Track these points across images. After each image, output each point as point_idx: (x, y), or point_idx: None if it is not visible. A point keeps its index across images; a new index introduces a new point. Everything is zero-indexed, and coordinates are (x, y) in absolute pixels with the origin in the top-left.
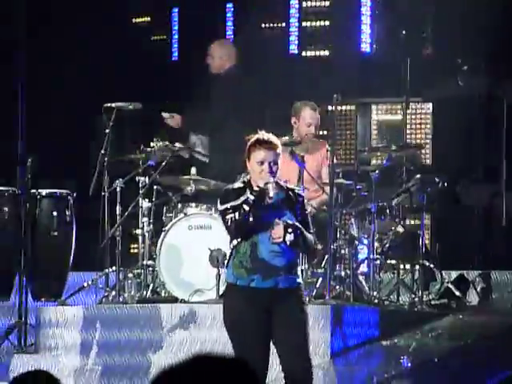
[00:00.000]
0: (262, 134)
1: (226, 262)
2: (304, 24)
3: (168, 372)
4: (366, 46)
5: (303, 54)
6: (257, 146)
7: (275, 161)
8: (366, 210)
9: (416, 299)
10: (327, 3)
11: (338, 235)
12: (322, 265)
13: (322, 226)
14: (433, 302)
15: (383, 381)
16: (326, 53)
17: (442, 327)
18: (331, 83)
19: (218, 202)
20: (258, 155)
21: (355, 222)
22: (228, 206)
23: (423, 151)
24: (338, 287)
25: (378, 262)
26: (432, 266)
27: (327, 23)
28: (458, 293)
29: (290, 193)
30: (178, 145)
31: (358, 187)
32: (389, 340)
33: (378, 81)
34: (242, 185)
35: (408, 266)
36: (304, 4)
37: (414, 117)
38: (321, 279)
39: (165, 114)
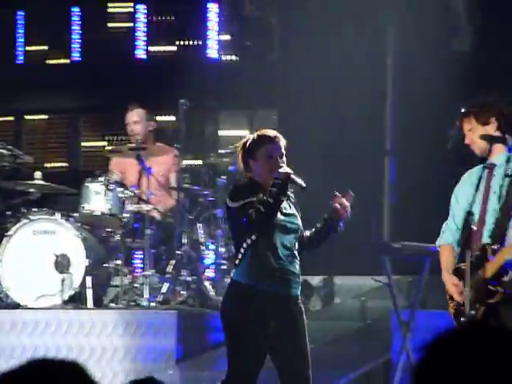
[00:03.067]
0: (264, 131)
1: (237, 260)
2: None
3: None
4: (212, 52)
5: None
6: (262, 141)
7: (283, 154)
8: (212, 216)
9: None
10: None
11: (185, 240)
12: (168, 270)
13: (169, 231)
14: None
15: None
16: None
17: None
18: (179, 88)
19: (229, 199)
20: (266, 150)
21: (202, 227)
22: (247, 201)
23: None
24: (183, 293)
25: (225, 267)
26: None
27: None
28: (301, 298)
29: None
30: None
31: (205, 193)
32: None
33: (225, 87)
34: (250, 182)
35: None
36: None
37: (260, 122)
38: (167, 285)
39: None
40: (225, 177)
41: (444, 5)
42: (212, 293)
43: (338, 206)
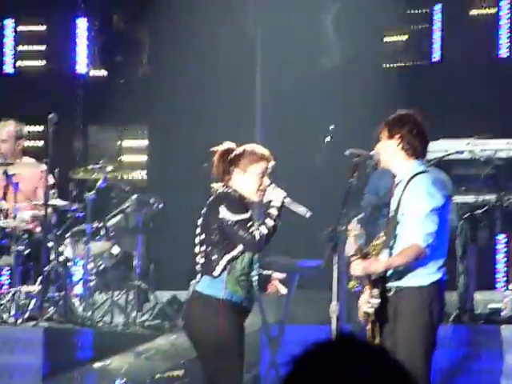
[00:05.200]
0: (256, 146)
1: (215, 272)
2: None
3: None
4: (81, 68)
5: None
6: (258, 158)
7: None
8: (81, 231)
9: (130, 320)
10: (43, 28)
11: (53, 256)
12: (36, 286)
13: (37, 247)
14: (146, 323)
15: None
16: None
17: (155, 348)
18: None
19: (228, 210)
20: (260, 168)
21: (70, 243)
22: (244, 217)
23: (140, 172)
24: (51, 309)
25: (93, 283)
26: (146, 286)
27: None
28: (171, 314)
29: None
30: None
31: (73, 208)
32: (102, 362)
33: (95, 102)
34: (240, 196)
35: (122, 287)
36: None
37: (131, 138)
38: (34, 301)
39: None
40: (93, 192)
41: (314, 21)
42: (80, 309)
43: (272, 288)
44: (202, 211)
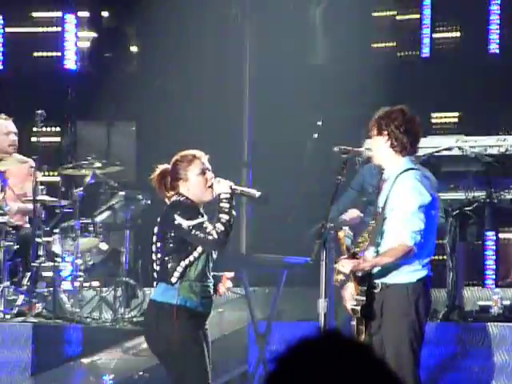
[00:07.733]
0: (182, 152)
1: (173, 278)
2: None
3: None
4: (71, 64)
5: None
6: (188, 160)
7: (209, 169)
8: (69, 227)
9: (118, 316)
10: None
11: (41, 252)
12: (24, 282)
13: (25, 243)
14: (134, 319)
15: None
16: None
17: (143, 344)
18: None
19: (181, 217)
20: (196, 167)
21: (59, 238)
22: (200, 220)
23: (127, 168)
24: (39, 305)
25: (81, 279)
26: (134, 283)
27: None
28: None
29: None
30: None
31: (61, 204)
32: (90, 357)
33: (83, 98)
34: (191, 201)
35: (111, 284)
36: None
37: (119, 134)
38: (23, 296)
39: None
40: (82, 188)
41: (301, 18)
42: (68, 305)
43: (222, 287)
44: (158, 220)
